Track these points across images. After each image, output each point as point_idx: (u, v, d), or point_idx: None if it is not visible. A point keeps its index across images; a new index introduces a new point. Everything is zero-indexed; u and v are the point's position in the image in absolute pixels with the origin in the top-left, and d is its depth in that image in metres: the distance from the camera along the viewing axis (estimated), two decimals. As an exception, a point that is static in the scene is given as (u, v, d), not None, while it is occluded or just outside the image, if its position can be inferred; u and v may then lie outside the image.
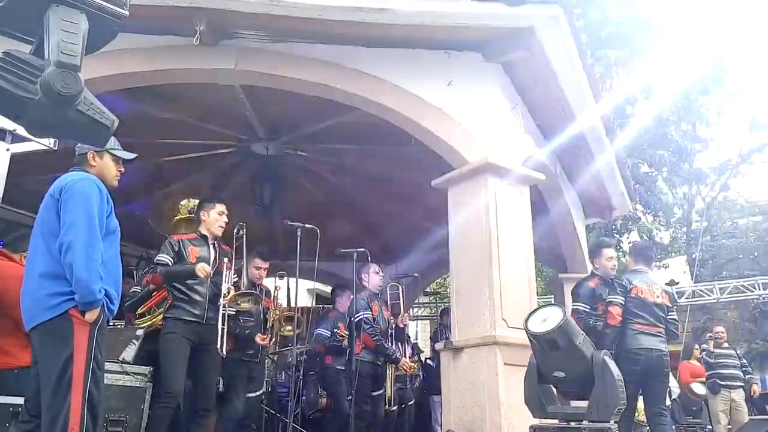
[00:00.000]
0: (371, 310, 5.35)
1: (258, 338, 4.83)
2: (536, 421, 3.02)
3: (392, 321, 5.95)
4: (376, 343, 5.24)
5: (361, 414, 5.11)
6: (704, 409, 7.73)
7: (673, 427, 7.90)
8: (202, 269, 3.94)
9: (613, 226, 10.84)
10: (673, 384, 8.29)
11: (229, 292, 4.17)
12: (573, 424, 2.86)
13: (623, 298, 4.49)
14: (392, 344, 5.81)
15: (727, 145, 15.54)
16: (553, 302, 3.95)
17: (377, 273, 5.63)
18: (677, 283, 13.20)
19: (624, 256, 13.13)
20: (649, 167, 12.36)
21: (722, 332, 8.06)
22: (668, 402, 8.24)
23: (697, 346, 8.55)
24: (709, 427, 7.56)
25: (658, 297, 4.58)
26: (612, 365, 3.13)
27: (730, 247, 14.52)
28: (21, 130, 2.96)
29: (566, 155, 6.18)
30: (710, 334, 8.15)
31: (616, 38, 11.73)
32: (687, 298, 11.78)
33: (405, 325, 6.37)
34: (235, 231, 4.59)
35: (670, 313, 4.64)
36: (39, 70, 2.07)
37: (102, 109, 2.22)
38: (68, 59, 2.03)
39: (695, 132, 13.22)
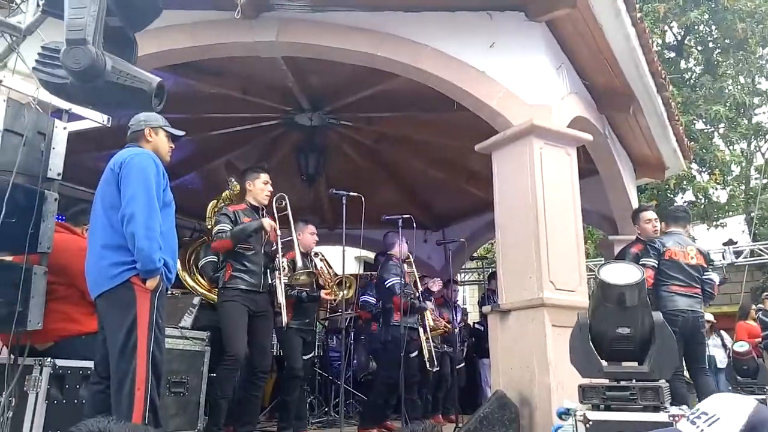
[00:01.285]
0: (402, 276, 5.38)
1: (324, 293, 5.05)
2: (586, 381, 3.01)
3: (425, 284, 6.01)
4: (407, 304, 5.23)
5: (391, 379, 5.16)
6: (762, 368, 7.51)
7: (729, 387, 7.80)
8: (270, 224, 4.10)
9: (667, 186, 10.51)
10: (730, 345, 8.11)
11: (287, 270, 4.31)
12: (623, 383, 2.85)
13: (657, 261, 4.53)
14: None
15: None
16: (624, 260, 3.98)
17: (407, 242, 5.67)
18: (735, 243, 12.76)
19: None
20: (704, 124, 11.87)
21: (781, 291, 7.82)
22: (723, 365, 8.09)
23: (753, 306, 8.30)
24: (767, 387, 7.37)
25: (692, 258, 4.57)
26: (667, 325, 3.10)
27: (790, 205, 13.89)
28: (76, 109, 3.09)
29: (615, 114, 6.01)
30: (766, 293, 7.91)
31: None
32: (745, 257, 11.38)
33: (438, 289, 6.41)
34: (276, 203, 4.65)
35: (705, 274, 4.59)
36: (59, 52, 2.17)
37: (136, 74, 2.29)
38: (74, 35, 2.10)
39: (754, 85, 12.56)
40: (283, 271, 4.35)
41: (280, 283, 4.29)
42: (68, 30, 2.12)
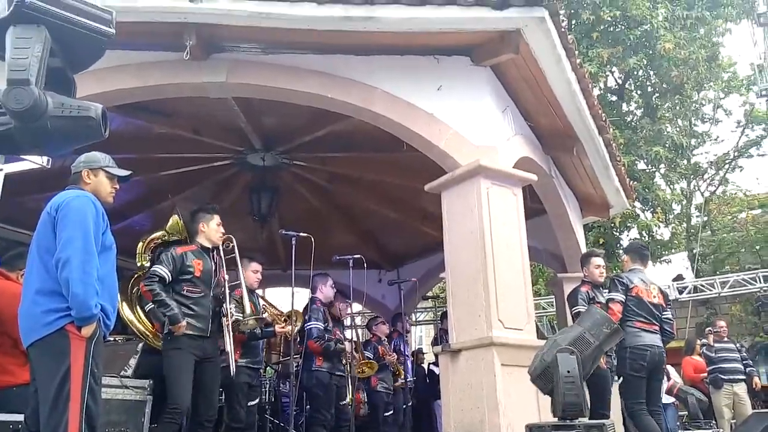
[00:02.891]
0: (326, 321, 5.46)
1: (278, 328, 4.99)
2: (533, 421, 3.03)
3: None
4: (321, 347, 5.29)
5: (323, 422, 5.25)
6: (691, 404, 7.69)
7: (677, 423, 7.95)
8: (181, 329, 3.91)
9: (612, 224, 10.85)
10: (678, 379, 8.29)
11: (233, 314, 4.22)
12: (568, 422, 2.87)
13: (624, 297, 4.58)
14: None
15: (724, 139, 15.57)
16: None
17: (332, 286, 5.75)
18: (683, 279, 13.21)
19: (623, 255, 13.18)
20: (646, 164, 12.39)
21: (724, 326, 8.07)
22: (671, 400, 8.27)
23: (698, 341, 8.54)
24: (713, 422, 7.54)
25: (654, 297, 4.71)
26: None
27: (730, 241, 14.50)
28: (14, 150, 3.00)
29: (560, 155, 6.21)
30: (709, 328, 8.16)
31: (608, 37, 11.79)
32: (689, 293, 11.79)
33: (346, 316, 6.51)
34: (223, 245, 4.53)
35: (664, 313, 4.73)
36: None
37: (78, 104, 2.24)
38: (16, 75, 2.06)
39: (691, 127, 13.24)
40: (231, 317, 4.23)
41: (228, 329, 4.16)
42: (10, 70, 2.07)
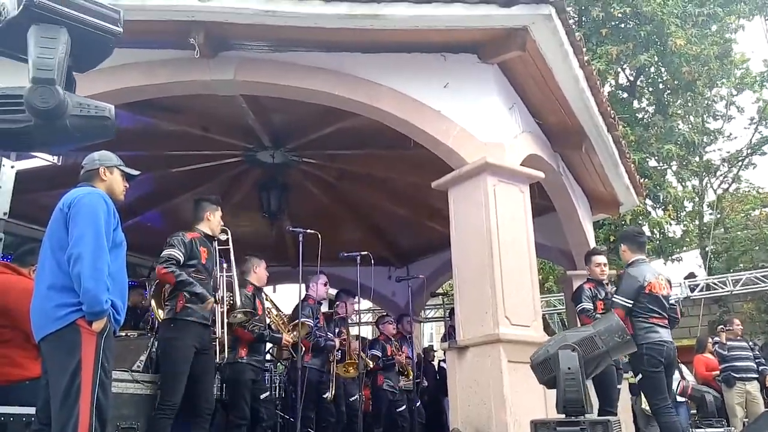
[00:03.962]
0: (317, 319, 5.59)
1: (285, 338, 5.08)
2: (538, 417, 3.04)
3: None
4: (311, 343, 5.41)
5: (307, 422, 5.41)
6: (708, 402, 7.65)
7: (689, 421, 7.91)
8: (210, 304, 3.91)
9: (623, 221, 10.77)
10: (690, 378, 8.24)
11: (224, 303, 4.24)
12: (573, 418, 2.88)
13: (632, 303, 4.41)
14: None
15: (737, 136, 15.42)
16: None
17: (325, 285, 5.89)
18: (695, 277, 13.10)
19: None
20: (657, 162, 12.29)
21: (738, 324, 8.00)
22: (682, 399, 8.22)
23: (710, 339, 8.48)
24: (725, 420, 7.49)
25: (664, 288, 4.58)
26: None
27: (744, 239, 14.36)
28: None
29: (568, 152, 6.20)
30: (722, 326, 8.10)
31: (618, 34, 11.70)
32: (701, 291, 11.69)
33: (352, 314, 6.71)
34: (219, 236, 4.46)
35: (670, 301, 4.66)
36: (19, 97, 2.15)
37: (94, 103, 2.29)
38: (42, 74, 2.11)
39: (703, 124, 13.11)
40: (224, 305, 4.23)
41: (220, 317, 4.15)
42: (37, 69, 2.12)
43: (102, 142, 2.61)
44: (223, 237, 4.46)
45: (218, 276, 4.30)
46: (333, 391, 5.77)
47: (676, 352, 4.62)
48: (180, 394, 3.79)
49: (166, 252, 3.95)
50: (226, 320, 4.23)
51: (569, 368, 2.96)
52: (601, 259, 5.15)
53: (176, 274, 3.85)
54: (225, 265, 4.37)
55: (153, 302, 4.55)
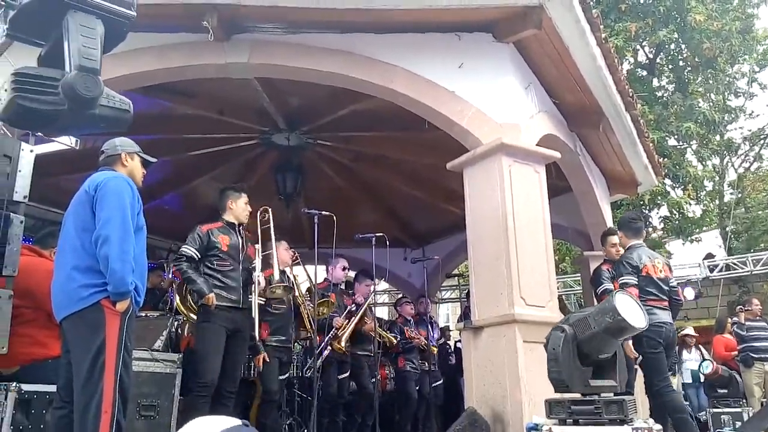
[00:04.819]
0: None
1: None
2: (554, 396, 3.06)
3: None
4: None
5: (330, 398, 5.55)
6: (737, 381, 7.61)
7: (707, 399, 7.88)
8: (210, 300, 4.03)
9: (642, 202, 10.67)
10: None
11: (260, 282, 4.31)
12: (588, 397, 2.90)
13: (637, 279, 4.49)
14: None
15: (759, 114, 15.09)
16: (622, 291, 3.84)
17: (344, 269, 5.93)
18: (713, 257, 12.96)
19: (653, 232, 12.96)
20: (677, 140, 12.11)
21: (757, 304, 7.92)
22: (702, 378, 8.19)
23: (729, 319, 8.42)
24: (744, 400, 7.46)
25: (661, 271, 4.63)
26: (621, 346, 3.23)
27: (765, 219, 14.14)
28: (44, 131, 3.10)
29: (586, 132, 6.13)
30: (740, 306, 8.02)
31: (636, 10, 11.47)
32: (720, 271, 11.57)
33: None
34: (260, 215, 4.68)
35: (670, 284, 4.67)
36: (55, 80, 2.19)
37: (119, 96, 2.35)
38: (89, 63, 2.15)
39: (724, 102, 12.86)
40: (259, 285, 4.32)
41: (255, 298, 4.26)
42: (83, 57, 2.16)
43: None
44: (263, 216, 4.66)
45: (253, 260, 4.38)
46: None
47: (676, 333, 4.70)
48: (213, 374, 3.95)
49: (180, 249, 4.23)
50: (257, 301, 4.31)
51: (553, 349, 3.02)
52: (616, 239, 5.12)
53: (182, 270, 4.14)
54: (257, 247, 4.46)
55: (179, 303, 4.67)
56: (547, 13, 4.35)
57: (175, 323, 4.60)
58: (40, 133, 3.11)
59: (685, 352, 9.23)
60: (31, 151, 3.02)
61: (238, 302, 4.19)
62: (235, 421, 1.01)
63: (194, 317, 4.52)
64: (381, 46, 4.67)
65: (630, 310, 3.05)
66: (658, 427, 2.72)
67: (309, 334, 6.67)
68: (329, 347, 5.54)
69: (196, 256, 4.19)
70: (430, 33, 4.72)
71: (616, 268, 4.77)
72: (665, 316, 4.51)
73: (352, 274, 6.81)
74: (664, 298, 4.56)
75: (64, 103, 2.17)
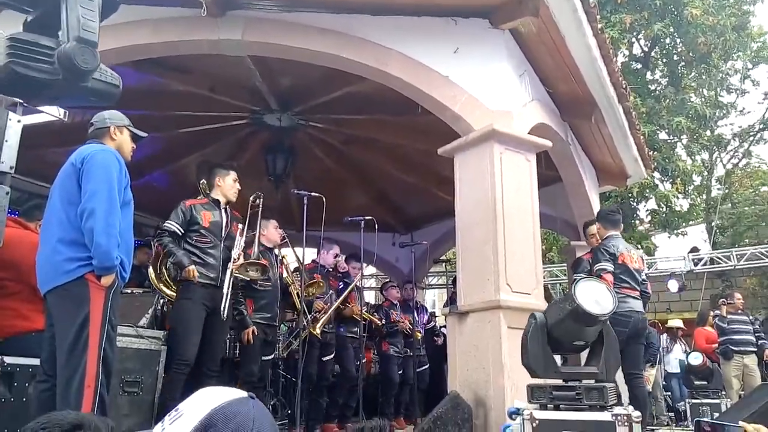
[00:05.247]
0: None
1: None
2: (536, 381, 3.09)
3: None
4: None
5: (310, 379, 5.59)
6: (716, 373, 7.75)
7: (686, 391, 8.02)
8: (191, 272, 4.03)
9: (630, 194, 10.74)
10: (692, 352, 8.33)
11: (239, 258, 4.29)
12: (570, 383, 2.93)
13: (613, 266, 4.68)
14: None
15: (751, 111, 15.20)
16: (593, 277, 3.83)
17: (335, 257, 5.93)
18: (698, 251, 13.11)
19: (640, 224, 13.07)
20: (667, 134, 12.17)
21: (739, 298, 8.04)
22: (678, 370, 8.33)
23: (711, 312, 8.54)
24: (723, 392, 7.59)
25: (635, 262, 4.79)
26: (611, 329, 3.20)
27: (750, 215, 14.30)
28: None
29: (578, 122, 6.14)
30: (723, 299, 8.14)
31: (633, 2, 11.46)
32: (704, 265, 11.70)
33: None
34: (252, 199, 4.68)
35: (641, 276, 4.84)
36: (50, 48, 2.16)
37: (109, 71, 2.32)
38: (88, 36, 2.13)
39: (716, 98, 12.92)
40: (235, 263, 4.28)
41: (230, 273, 4.22)
42: (83, 29, 2.13)
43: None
44: (254, 200, 4.68)
45: (234, 237, 4.37)
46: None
47: (646, 322, 4.91)
48: (192, 351, 3.95)
49: (163, 224, 4.24)
50: (231, 279, 4.28)
51: (525, 335, 3.05)
52: (594, 229, 5.32)
53: (163, 244, 4.17)
54: (241, 227, 4.45)
55: (153, 278, 4.64)
56: (545, 0, 4.33)
57: (161, 301, 4.59)
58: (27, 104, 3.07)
59: (672, 343, 9.39)
60: (19, 121, 2.96)
61: (216, 279, 4.16)
62: (242, 393, 1.03)
63: (168, 293, 4.53)
64: (376, 28, 4.63)
65: (592, 296, 2.94)
66: (638, 413, 2.75)
67: (294, 316, 6.73)
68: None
69: (179, 231, 4.18)
70: (426, 17, 4.68)
71: (594, 255, 4.92)
72: (637, 305, 4.69)
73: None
74: (637, 287, 4.75)
75: (59, 73, 2.14)
